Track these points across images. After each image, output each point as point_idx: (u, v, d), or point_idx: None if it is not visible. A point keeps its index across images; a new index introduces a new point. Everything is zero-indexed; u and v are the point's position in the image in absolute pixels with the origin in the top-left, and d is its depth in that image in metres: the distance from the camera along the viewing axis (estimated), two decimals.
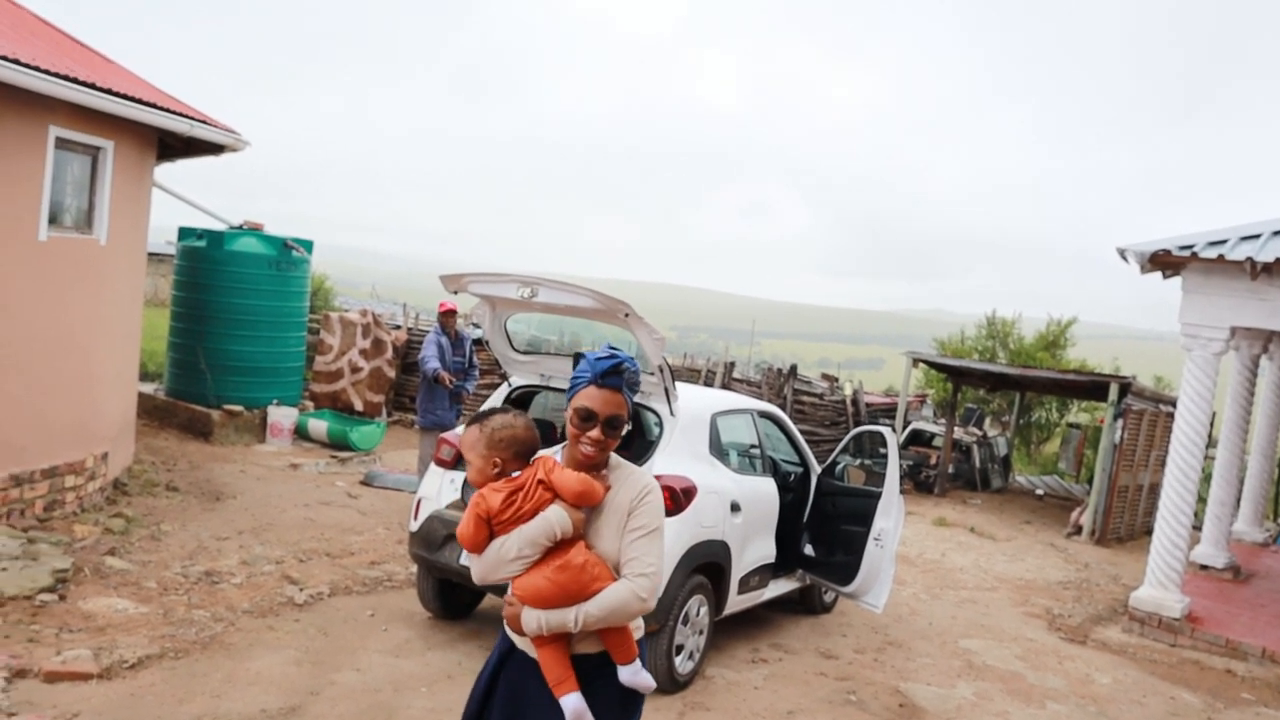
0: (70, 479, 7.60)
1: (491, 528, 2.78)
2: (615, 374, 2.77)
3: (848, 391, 18.48)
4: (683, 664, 5.90)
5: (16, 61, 6.32)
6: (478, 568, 2.86)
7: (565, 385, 6.55)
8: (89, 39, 9.20)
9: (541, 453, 2.91)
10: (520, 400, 6.80)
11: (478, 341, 10.91)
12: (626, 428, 2.80)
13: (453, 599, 6.56)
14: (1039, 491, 18.93)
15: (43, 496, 7.31)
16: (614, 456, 2.89)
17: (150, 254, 11.08)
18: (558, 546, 2.74)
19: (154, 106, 7.77)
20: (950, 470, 17.70)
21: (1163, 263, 8.70)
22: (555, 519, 2.73)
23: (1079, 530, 14.41)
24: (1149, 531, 10.93)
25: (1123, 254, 8.78)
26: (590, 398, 2.76)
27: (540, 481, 2.79)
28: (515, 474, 2.83)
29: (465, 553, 2.69)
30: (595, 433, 2.75)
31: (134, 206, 8.47)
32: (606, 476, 2.83)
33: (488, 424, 2.87)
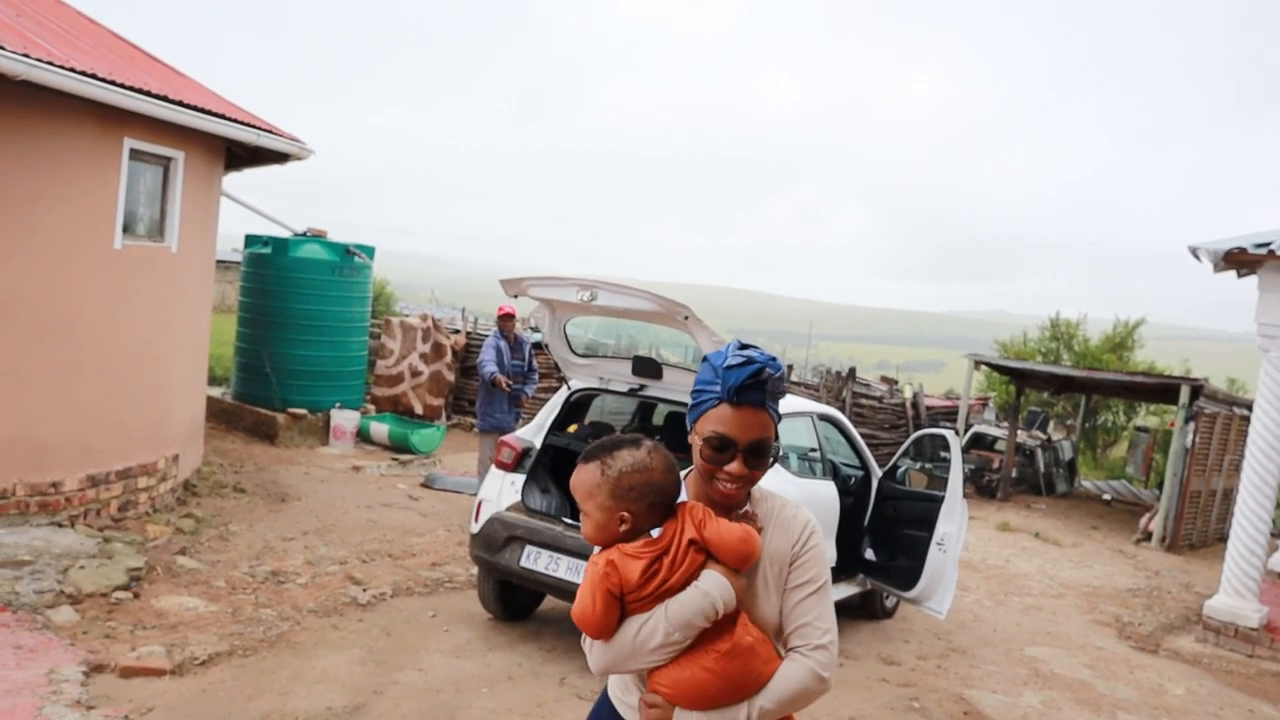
0: (143, 480, 7.80)
1: (625, 605, 2.08)
2: (755, 388, 2.10)
3: (907, 394, 18.27)
4: None
5: (94, 76, 6.52)
6: (602, 657, 2.12)
7: (623, 388, 6.59)
8: (144, 43, 9.46)
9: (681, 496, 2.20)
10: (579, 404, 6.84)
11: (537, 345, 10.99)
12: (777, 452, 2.18)
13: (513, 600, 6.61)
14: (1106, 496, 18.52)
15: (117, 497, 7.52)
16: (755, 489, 2.25)
17: (218, 261, 11.35)
18: (715, 624, 2.08)
19: (222, 117, 7.95)
20: (1013, 474, 17.40)
21: (1237, 261, 8.47)
22: (717, 592, 2.05)
23: (1148, 536, 14.07)
24: (1223, 538, 10.65)
25: (1195, 253, 8.56)
26: (724, 421, 2.10)
27: (691, 542, 2.09)
28: (654, 532, 2.12)
29: (589, 642, 2.12)
30: (735, 466, 2.11)
31: (203, 215, 8.68)
32: (754, 516, 2.19)
33: (611, 463, 2.12)
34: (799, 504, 2.25)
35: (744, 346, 2.15)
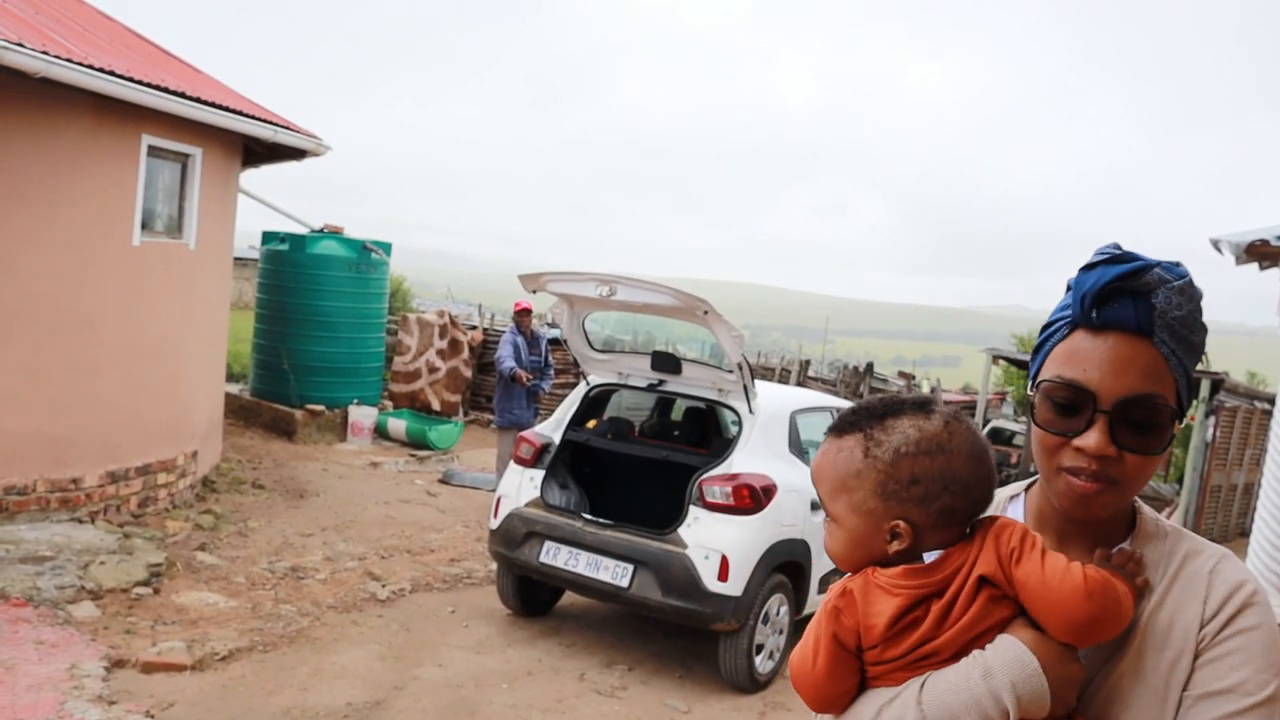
0: (162, 476, 7.83)
1: (863, 664, 1.28)
2: (1131, 297, 1.22)
3: (925, 389, 18.19)
4: (763, 664, 5.85)
5: (113, 73, 6.54)
6: None
7: (642, 383, 6.56)
8: (150, 34, 9.49)
9: (992, 510, 1.35)
10: (598, 399, 6.82)
11: (555, 341, 10.97)
12: (1175, 423, 1.26)
13: (532, 596, 6.60)
14: None
15: (137, 493, 7.55)
16: (1149, 515, 1.37)
17: (236, 258, 11.38)
18: None
19: (240, 113, 7.97)
20: (1031, 469, 17.29)
21: (1259, 254, 8.37)
22: (1008, 676, 1.18)
23: None
24: (1245, 533, 10.54)
25: (1216, 245, 8.46)
26: (1075, 358, 1.25)
27: (984, 581, 1.24)
28: (933, 554, 1.29)
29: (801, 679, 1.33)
30: (1093, 438, 1.21)
31: (221, 211, 8.70)
32: (1135, 559, 1.28)
33: (883, 439, 1.29)
34: (1226, 553, 1.29)
35: (1115, 246, 1.28)
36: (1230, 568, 1.28)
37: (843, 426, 1.35)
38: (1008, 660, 1.19)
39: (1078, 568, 1.21)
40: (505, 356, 9.39)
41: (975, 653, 1.21)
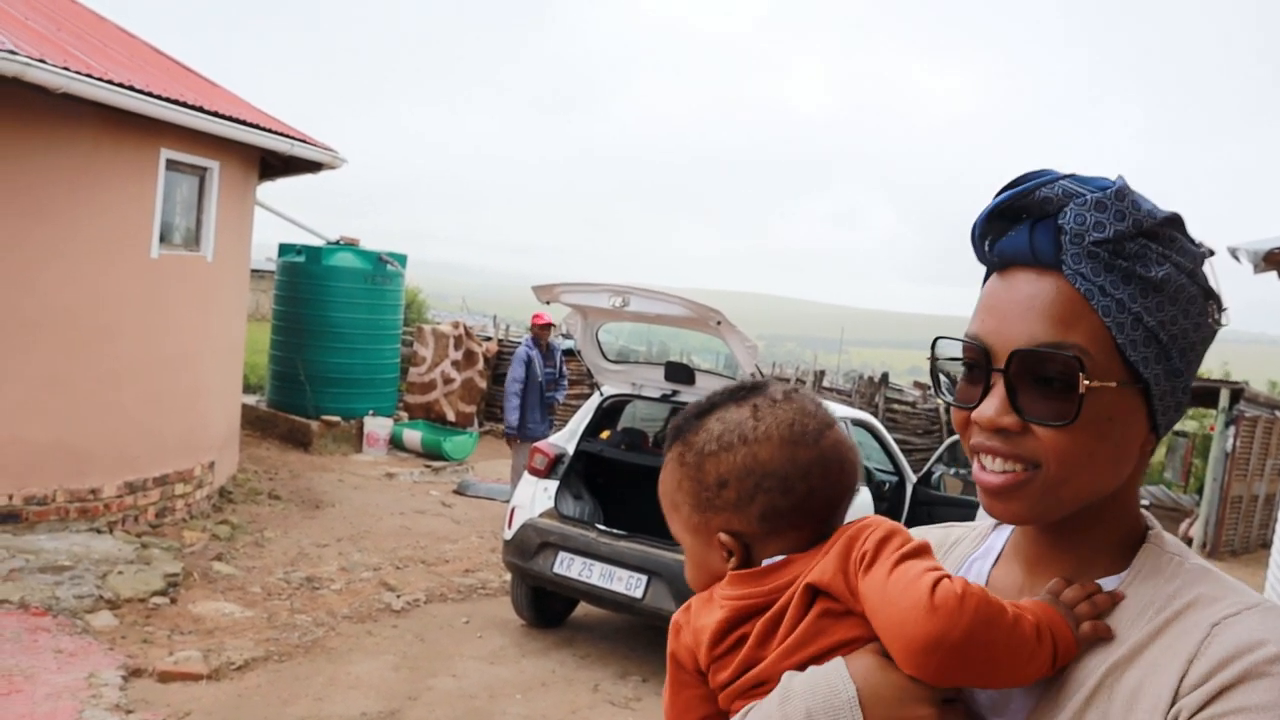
0: (180, 487, 7.88)
1: (709, 689, 1.08)
2: (1033, 213, 0.95)
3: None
4: None
5: (132, 88, 6.62)
6: None
7: (656, 394, 6.57)
8: (169, 49, 9.58)
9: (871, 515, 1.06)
10: (611, 410, 6.83)
11: (569, 352, 10.96)
12: (1108, 388, 0.92)
13: (546, 607, 6.61)
14: (1144, 502, 18.22)
15: (154, 503, 7.60)
16: (1167, 545, 1.00)
17: (252, 270, 11.47)
18: None
19: (257, 127, 8.04)
20: None
21: (1278, 262, 8.33)
22: (809, 706, 0.94)
23: (1189, 542, 13.86)
24: (1266, 545, 10.46)
25: (1234, 253, 8.41)
26: (981, 306, 1.01)
27: (819, 593, 1.02)
28: (775, 559, 1.07)
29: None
30: (986, 404, 0.95)
31: (238, 224, 8.77)
32: (1099, 596, 0.97)
33: (697, 435, 1.11)
34: (1260, 604, 0.91)
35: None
36: (1248, 624, 0.87)
37: (669, 437, 1.15)
38: (813, 684, 0.95)
39: (930, 577, 0.91)
40: (514, 379, 9.25)
41: (787, 674, 0.97)
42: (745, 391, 1.12)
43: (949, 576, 0.92)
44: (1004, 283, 0.97)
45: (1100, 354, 0.92)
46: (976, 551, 1.14)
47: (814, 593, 1.01)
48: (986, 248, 0.99)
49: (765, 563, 1.06)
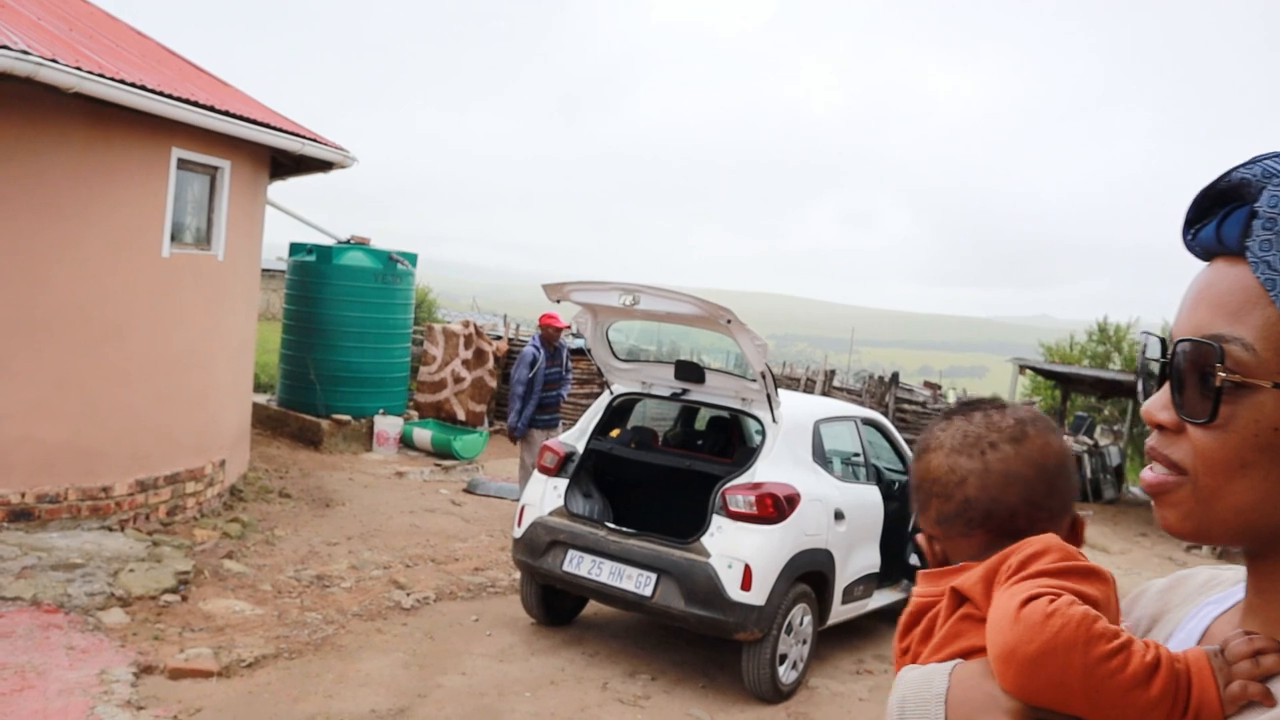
0: (191, 485, 7.91)
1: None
2: (1233, 198, 0.87)
3: (951, 399, 18.08)
4: (786, 674, 5.83)
5: (144, 88, 6.64)
6: None
7: (666, 392, 6.57)
8: (179, 49, 9.62)
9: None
10: (621, 408, 6.84)
11: (578, 351, 10.93)
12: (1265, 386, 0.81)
13: (556, 605, 6.61)
14: None
15: (165, 502, 7.63)
16: None
17: (263, 269, 11.51)
18: None
19: (268, 126, 8.06)
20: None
21: None
22: (903, 695, 1.04)
23: (1200, 544, 13.79)
24: None
25: None
26: (1181, 301, 0.92)
27: (964, 599, 1.08)
28: (957, 564, 1.16)
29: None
30: (1152, 401, 0.91)
31: (249, 223, 8.80)
32: (1268, 648, 0.87)
33: (931, 443, 1.21)
34: None
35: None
36: None
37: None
38: (918, 678, 1.01)
39: (1029, 593, 0.95)
40: (515, 381, 9.23)
41: (907, 666, 1.07)
42: (963, 406, 1.21)
43: (1056, 595, 0.93)
44: (1198, 274, 0.91)
45: (1269, 350, 0.81)
46: (1218, 595, 1.05)
47: (960, 598, 1.06)
48: (1188, 236, 0.92)
49: (951, 566, 1.14)
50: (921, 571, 1.16)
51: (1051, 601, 0.92)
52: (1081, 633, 0.90)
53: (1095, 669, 0.88)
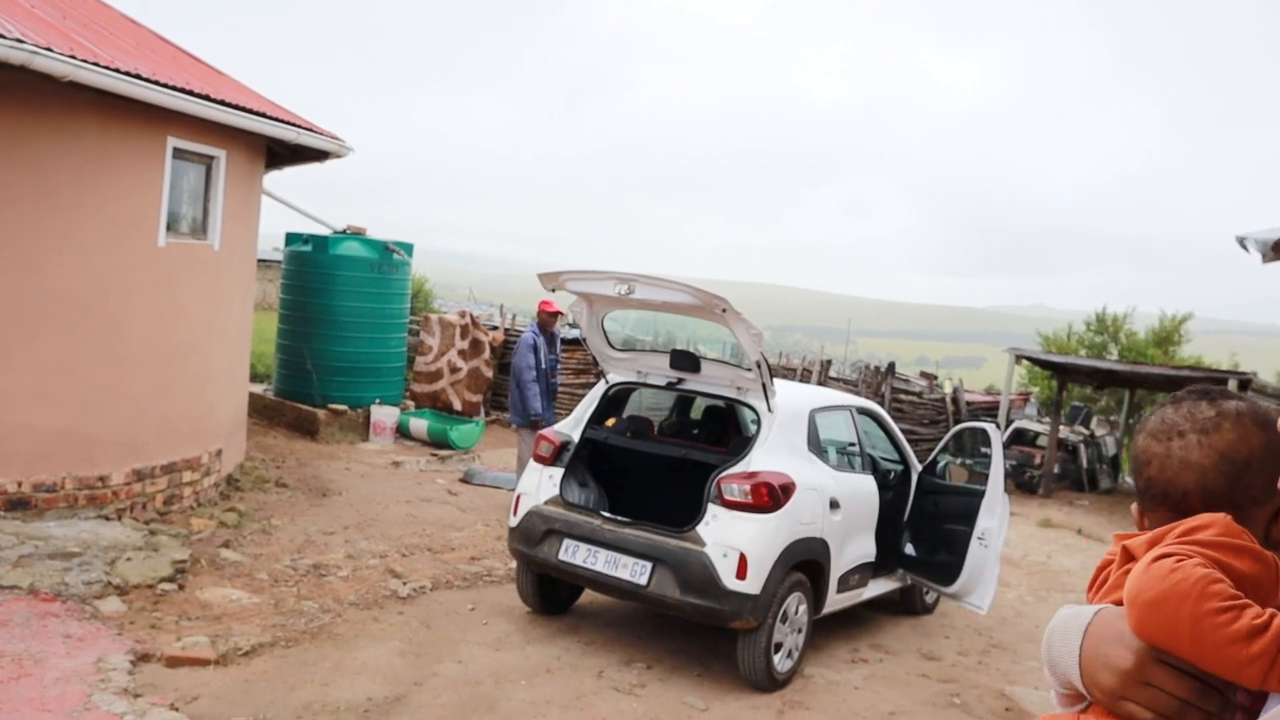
0: (187, 474, 7.92)
1: None
2: None
3: (947, 389, 18.11)
4: (781, 662, 5.86)
5: (139, 76, 6.62)
6: None
7: (661, 382, 6.58)
8: (175, 37, 9.59)
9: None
10: (617, 398, 6.85)
11: (573, 340, 10.94)
12: None
13: (552, 594, 6.63)
14: None
15: (162, 491, 7.64)
16: None
17: (259, 260, 11.49)
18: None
19: (263, 115, 8.04)
20: (1056, 470, 17.17)
21: None
22: (1052, 626, 1.36)
23: None
24: None
25: (1242, 243, 8.36)
26: None
27: (1131, 557, 1.32)
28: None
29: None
30: None
31: (245, 212, 8.78)
32: None
33: (1143, 423, 1.46)
34: None
35: None
36: None
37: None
38: (1073, 612, 1.29)
39: (1166, 551, 1.19)
40: (526, 367, 9.22)
41: (1067, 605, 1.35)
42: (1188, 393, 1.40)
43: (1186, 557, 1.15)
44: None
45: None
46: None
47: (1129, 556, 1.30)
48: None
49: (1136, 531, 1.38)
50: (1116, 533, 1.38)
51: (1179, 561, 1.14)
52: (1196, 589, 1.10)
53: (1202, 620, 1.08)
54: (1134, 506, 1.39)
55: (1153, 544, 1.24)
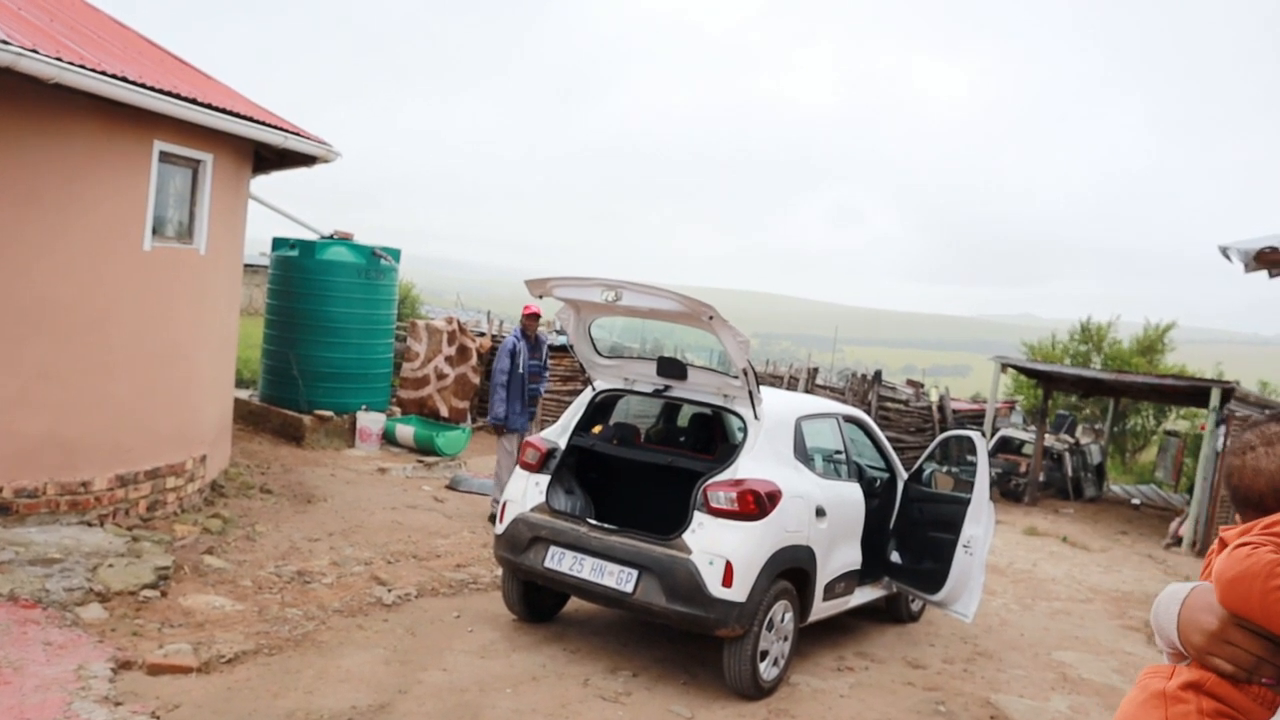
0: (171, 480, 7.87)
1: None
2: None
3: (933, 397, 18.16)
4: (767, 670, 5.85)
5: (125, 79, 6.59)
6: None
7: (648, 389, 6.58)
8: (161, 40, 9.55)
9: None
10: (603, 405, 6.84)
11: (560, 347, 10.94)
12: None
13: (537, 602, 6.61)
14: (1135, 501, 18.32)
15: (145, 497, 7.58)
16: None
17: (246, 265, 11.45)
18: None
19: (250, 120, 8.01)
20: (1041, 478, 17.24)
21: (1269, 261, 8.33)
22: (1159, 599, 1.72)
23: (1179, 541, 13.90)
24: None
25: (1225, 252, 8.43)
26: None
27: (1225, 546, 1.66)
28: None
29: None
30: None
31: (231, 217, 8.75)
32: None
33: (1231, 443, 1.84)
34: None
35: None
36: None
37: None
38: (1174, 588, 1.65)
39: (1249, 539, 1.55)
40: (499, 371, 9.30)
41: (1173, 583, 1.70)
42: (1270, 418, 1.76)
43: (1260, 545, 1.51)
44: None
45: None
46: None
47: (1224, 545, 1.63)
48: None
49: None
50: (1220, 527, 1.72)
51: (1254, 548, 1.51)
52: (1264, 569, 1.47)
53: (1269, 594, 1.45)
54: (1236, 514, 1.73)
55: (1241, 534, 1.58)
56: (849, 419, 7.23)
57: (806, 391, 15.68)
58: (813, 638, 6.81)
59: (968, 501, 6.77)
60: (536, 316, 9.65)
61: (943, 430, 16.88)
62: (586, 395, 6.77)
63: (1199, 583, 1.61)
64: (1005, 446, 18.30)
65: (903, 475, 7.50)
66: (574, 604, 6.90)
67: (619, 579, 5.73)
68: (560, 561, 5.94)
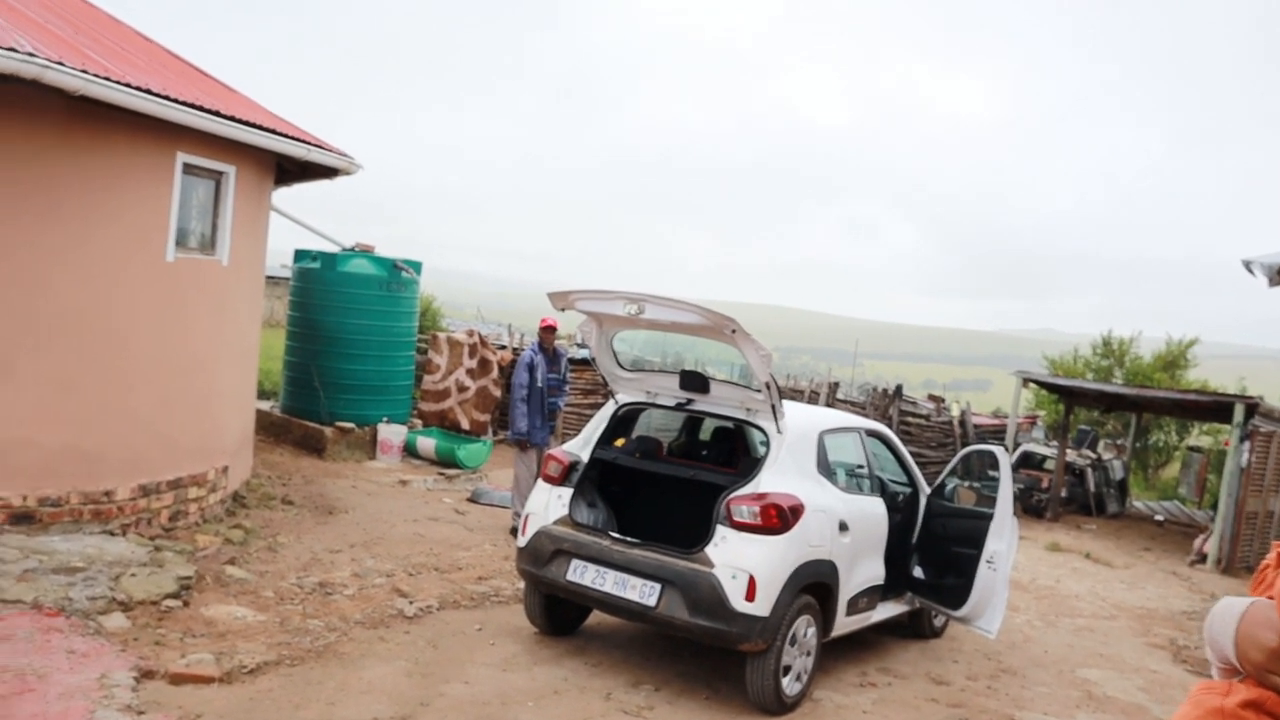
0: (193, 491, 7.89)
1: None
2: None
3: (955, 412, 18.05)
4: (790, 685, 5.80)
5: (149, 91, 6.65)
6: None
7: (671, 402, 6.56)
8: (174, 48, 9.62)
9: None
10: (626, 418, 6.82)
11: (582, 361, 10.92)
12: None
13: (559, 615, 6.58)
14: (1158, 517, 18.13)
15: (168, 507, 7.61)
16: None
17: (267, 276, 11.51)
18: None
19: (273, 132, 8.06)
20: (1063, 494, 17.09)
21: None
22: (1214, 612, 1.67)
23: (1203, 558, 13.73)
24: None
25: (1248, 266, 8.35)
26: None
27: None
28: None
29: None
30: None
31: (253, 229, 8.80)
32: None
33: None
34: None
35: None
36: None
37: None
38: (1231, 600, 1.61)
39: None
40: (518, 385, 9.31)
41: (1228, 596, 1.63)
42: None
43: None
44: None
45: None
46: None
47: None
48: None
49: None
50: (1275, 540, 1.73)
51: None
52: None
53: None
54: None
55: None
56: (871, 433, 7.19)
57: (828, 406, 15.62)
58: (835, 653, 6.75)
59: (991, 516, 6.71)
60: (553, 329, 9.61)
61: (964, 445, 16.77)
62: (609, 408, 6.76)
63: (1256, 598, 1.57)
64: (1027, 462, 18.16)
65: (925, 490, 7.44)
66: (596, 617, 6.86)
67: (642, 593, 5.69)
68: (583, 575, 5.92)
